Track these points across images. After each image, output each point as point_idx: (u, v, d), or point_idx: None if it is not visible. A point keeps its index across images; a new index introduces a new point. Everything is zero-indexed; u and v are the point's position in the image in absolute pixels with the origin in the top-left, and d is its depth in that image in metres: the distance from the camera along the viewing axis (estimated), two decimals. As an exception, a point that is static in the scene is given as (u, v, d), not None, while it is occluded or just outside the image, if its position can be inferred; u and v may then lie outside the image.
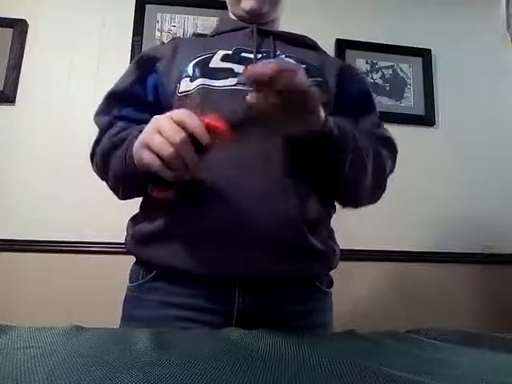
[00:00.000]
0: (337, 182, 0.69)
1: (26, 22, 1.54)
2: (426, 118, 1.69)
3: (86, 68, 1.54)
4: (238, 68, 0.71)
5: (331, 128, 0.60)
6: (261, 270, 0.63)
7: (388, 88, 1.70)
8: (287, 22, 0.90)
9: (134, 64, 0.78)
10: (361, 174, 0.67)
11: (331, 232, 0.75)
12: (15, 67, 1.50)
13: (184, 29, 1.64)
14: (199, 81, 0.70)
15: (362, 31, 1.70)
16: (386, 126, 0.80)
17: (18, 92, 1.49)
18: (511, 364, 0.42)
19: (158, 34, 1.62)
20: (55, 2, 1.58)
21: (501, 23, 1.81)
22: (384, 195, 0.77)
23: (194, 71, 0.72)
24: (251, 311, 0.64)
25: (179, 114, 0.53)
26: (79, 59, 1.55)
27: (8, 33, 1.51)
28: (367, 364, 0.37)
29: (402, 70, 1.73)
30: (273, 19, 0.83)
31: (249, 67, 0.49)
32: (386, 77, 1.72)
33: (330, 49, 1.56)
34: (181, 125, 0.51)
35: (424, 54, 1.73)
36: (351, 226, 1.32)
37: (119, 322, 0.71)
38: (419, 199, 1.61)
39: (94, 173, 0.74)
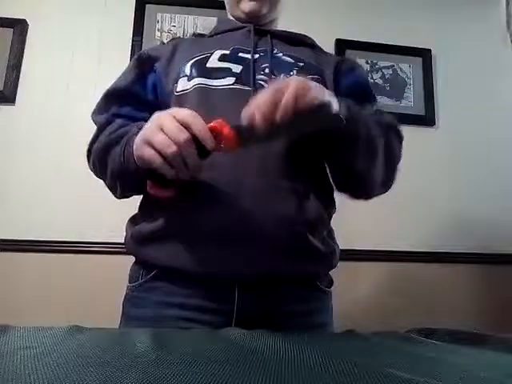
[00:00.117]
0: (349, 172, 0.68)
1: (26, 22, 1.54)
2: (426, 118, 1.69)
3: (85, 68, 1.54)
4: (236, 67, 0.71)
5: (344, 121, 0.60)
6: (260, 270, 0.63)
7: (388, 88, 1.70)
8: (287, 21, 0.90)
9: (134, 62, 0.78)
10: (373, 162, 0.67)
11: (331, 232, 0.75)
12: (15, 67, 1.50)
13: (184, 29, 1.64)
14: (196, 80, 0.70)
15: (362, 31, 1.70)
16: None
17: (17, 92, 1.49)
18: (511, 364, 0.42)
19: (158, 34, 1.62)
20: (55, 2, 1.58)
21: (501, 23, 1.82)
22: (384, 195, 0.77)
23: (191, 71, 0.72)
24: (251, 311, 0.64)
25: (183, 113, 0.52)
26: (79, 59, 1.55)
27: (8, 33, 1.51)
28: (367, 364, 0.37)
29: (401, 70, 1.73)
30: (271, 19, 0.83)
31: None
32: (386, 77, 1.72)
33: (330, 49, 1.56)
34: (184, 125, 0.51)
35: (424, 54, 1.73)
36: (351, 226, 1.32)
37: (119, 322, 0.71)
38: (419, 199, 1.61)
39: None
